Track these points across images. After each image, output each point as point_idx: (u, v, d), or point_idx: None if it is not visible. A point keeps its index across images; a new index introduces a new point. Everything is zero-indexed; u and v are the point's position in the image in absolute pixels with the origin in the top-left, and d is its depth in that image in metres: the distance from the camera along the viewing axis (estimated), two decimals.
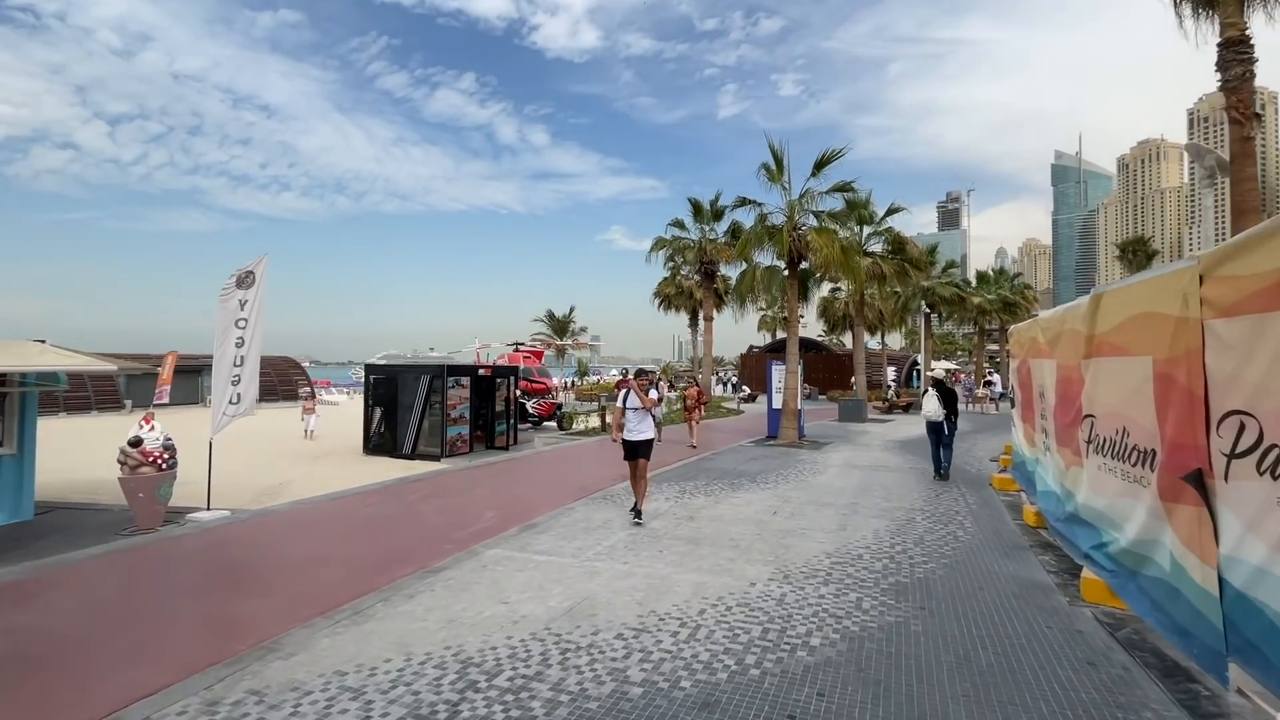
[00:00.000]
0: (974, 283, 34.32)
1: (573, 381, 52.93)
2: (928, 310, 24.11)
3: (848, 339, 56.06)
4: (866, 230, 22.36)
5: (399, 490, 10.11)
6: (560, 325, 58.45)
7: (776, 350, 49.86)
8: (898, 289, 27.60)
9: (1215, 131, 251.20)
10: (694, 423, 14.71)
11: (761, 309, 52.26)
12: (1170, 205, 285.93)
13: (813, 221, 14.95)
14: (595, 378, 79.71)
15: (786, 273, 15.34)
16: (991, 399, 25.57)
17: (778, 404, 16.24)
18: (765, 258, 15.18)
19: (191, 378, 41.71)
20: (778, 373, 16.68)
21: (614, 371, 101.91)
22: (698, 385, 15.24)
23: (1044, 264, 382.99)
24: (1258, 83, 9.88)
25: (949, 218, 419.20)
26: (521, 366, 36.15)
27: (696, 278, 31.03)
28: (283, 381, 43.24)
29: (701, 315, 29.82)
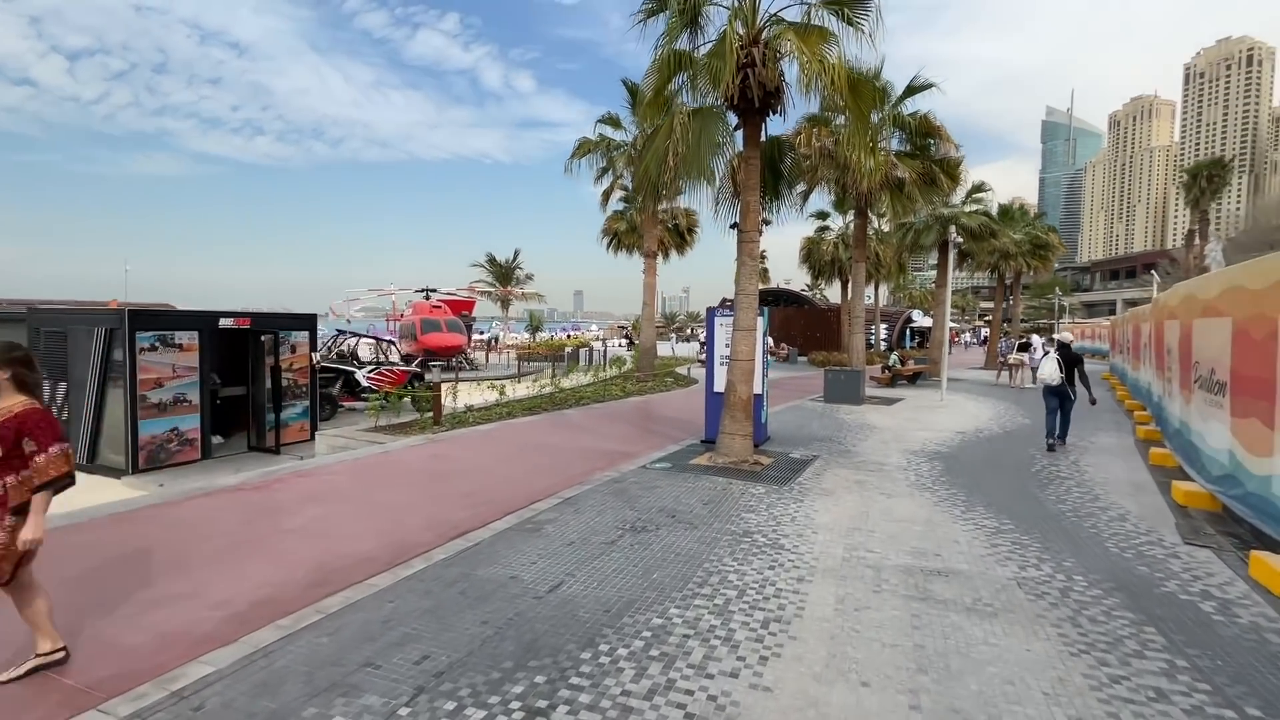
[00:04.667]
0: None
1: (496, 339, 45.24)
2: (959, 242, 16.95)
3: (833, 293, 48.70)
4: (875, 118, 14.76)
5: None
6: (503, 272, 50.39)
7: (761, 303, 42.41)
8: (907, 216, 20.20)
9: (1210, 88, 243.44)
10: None
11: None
12: (1159, 164, 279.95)
13: (792, 21, 7.34)
14: (562, 334, 71.96)
15: (738, 127, 7.83)
16: (1031, 368, 18.67)
17: (720, 385, 8.97)
18: (696, 97, 7.59)
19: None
20: (722, 330, 9.34)
21: (594, 327, 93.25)
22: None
23: None
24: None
25: None
26: (421, 319, 28.45)
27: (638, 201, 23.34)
28: None
29: (644, 250, 22.29)
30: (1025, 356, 18.72)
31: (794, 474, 7.58)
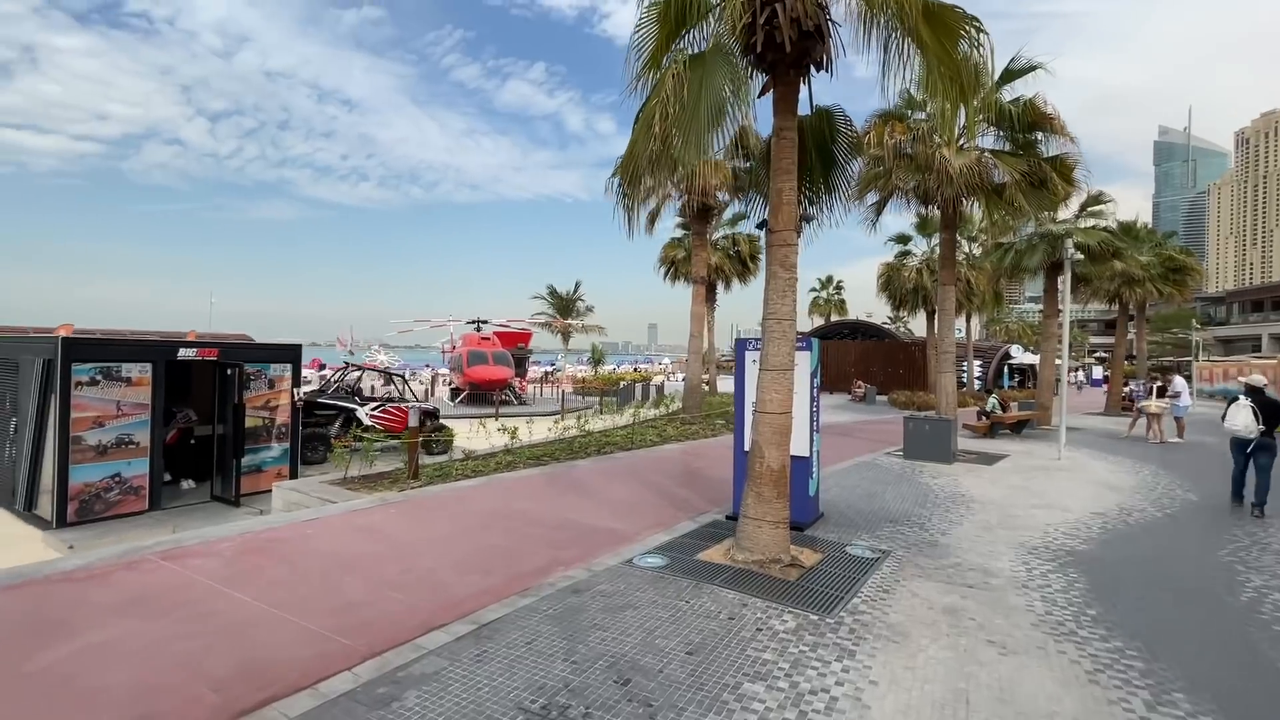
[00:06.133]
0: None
1: (555, 372, 43.88)
2: (1079, 257, 13.61)
3: (917, 325, 44.14)
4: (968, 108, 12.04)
5: None
6: (564, 304, 49.52)
7: (835, 335, 38.93)
8: (1006, 233, 17.00)
9: None
10: None
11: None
12: None
13: None
14: (628, 366, 71.05)
15: (766, 89, 5.59)
16: (1176, 417, 14.78)
17: (748, 443, 6.54)
18: (701, 42, 5.47)
19: None
20: (752, 368, 6.94)
21: (665, 359, 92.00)
22: None
23: None
24: None
25: None
26: (469, 351, 27.34)
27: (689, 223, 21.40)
28: None
29: (692, 276, 20.05)
30: (1168, 403, 14.90)
31: (847, 589, 5.02)
